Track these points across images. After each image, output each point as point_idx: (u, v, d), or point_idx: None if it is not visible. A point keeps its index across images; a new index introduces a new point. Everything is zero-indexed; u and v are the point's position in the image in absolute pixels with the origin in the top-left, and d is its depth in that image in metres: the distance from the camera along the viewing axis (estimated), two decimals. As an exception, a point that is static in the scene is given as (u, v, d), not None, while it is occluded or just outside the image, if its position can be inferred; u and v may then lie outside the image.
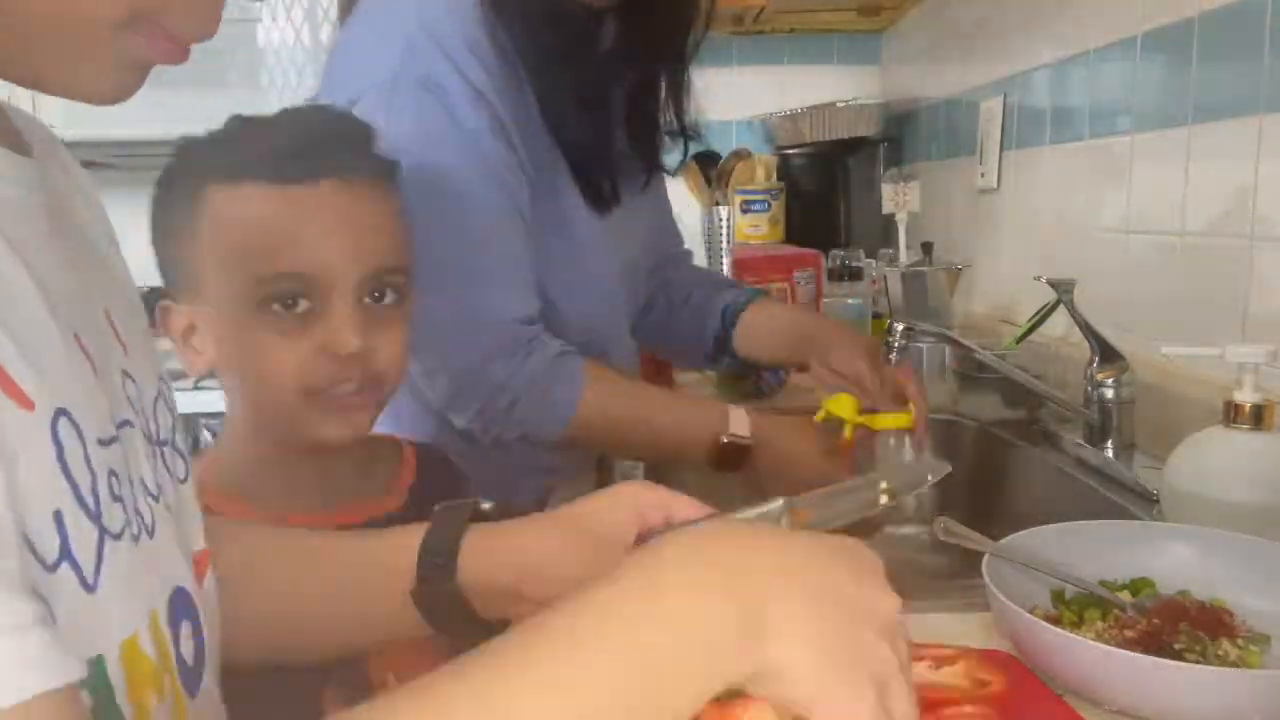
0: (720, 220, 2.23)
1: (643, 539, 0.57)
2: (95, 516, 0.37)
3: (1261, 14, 0.93)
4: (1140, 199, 1.18)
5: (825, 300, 1.59)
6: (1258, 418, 0.83)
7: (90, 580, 0.36)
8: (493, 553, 0.56)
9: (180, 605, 0.44)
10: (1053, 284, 1.18)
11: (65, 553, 0.35)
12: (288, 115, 0.77)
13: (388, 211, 0.76)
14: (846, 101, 2.19)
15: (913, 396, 1.04)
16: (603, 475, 1.20)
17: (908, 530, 1.34)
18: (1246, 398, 0.83)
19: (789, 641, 0.37)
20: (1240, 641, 0.64)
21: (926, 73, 2.09)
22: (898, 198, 1.84)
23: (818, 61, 2.44)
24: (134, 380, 0.45)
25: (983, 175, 1.69)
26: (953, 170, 1.89)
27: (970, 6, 1.78)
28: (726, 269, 2.05)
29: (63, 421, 0.36)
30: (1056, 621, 0.67)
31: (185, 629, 0.44)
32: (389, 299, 0.75)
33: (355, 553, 0.61)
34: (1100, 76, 1.27)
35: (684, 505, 0.58)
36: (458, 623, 0.57)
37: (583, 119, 0.95)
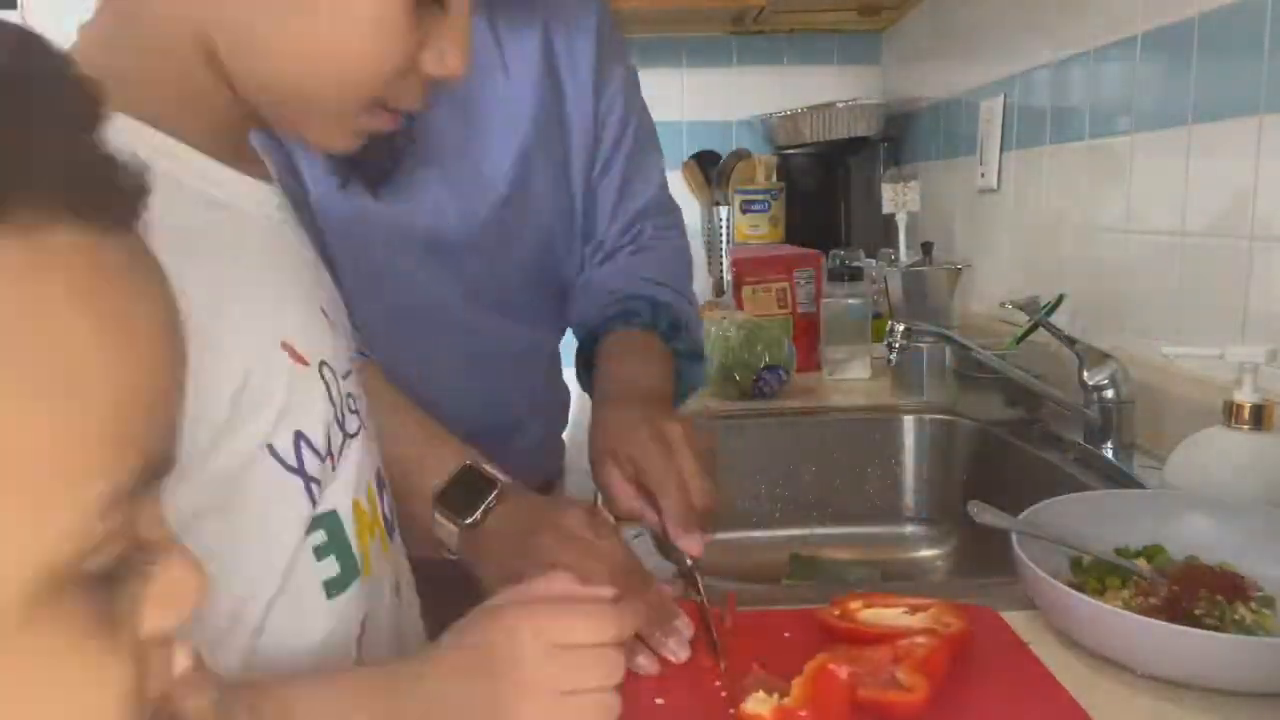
0: (720, 220, 2.24)
1: None
2: (341, 425, 0.56)
3: (1261, 14, 0.93)
4: (1140, 199, 1.18)
5: (825, 300, 1.59)
6: (1257, 418, 0.83)
7: (335, 466, 0.56)
8: None
9: (381, 479, 0.63)
10: (1020, 306, 1.20)
11: (329, 451, 0.55)
12: None
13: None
14: (846, 101, 2.19)
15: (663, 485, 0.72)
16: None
17: (908, 529, 1.34)
18: (1246, 398, 0.84)
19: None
20: (1254, 605, 0.67)
21: (926, 73, 2.09)
22: (898, 198, 1.84)
23: (818, 61, 2.44)
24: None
25: (983, 175, 1.69)
26: (953, 170, 1.89)
27: (970, 6, 1.78)
28: (726, 269, 2.05)
29: (324, 368, 0.55)
30: (1080, 589, 0.70)
31: (385, 495, 0.63)
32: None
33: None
34: (1100, 76, 1.28)
35: None
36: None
37: None
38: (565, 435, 1.17)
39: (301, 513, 0.53)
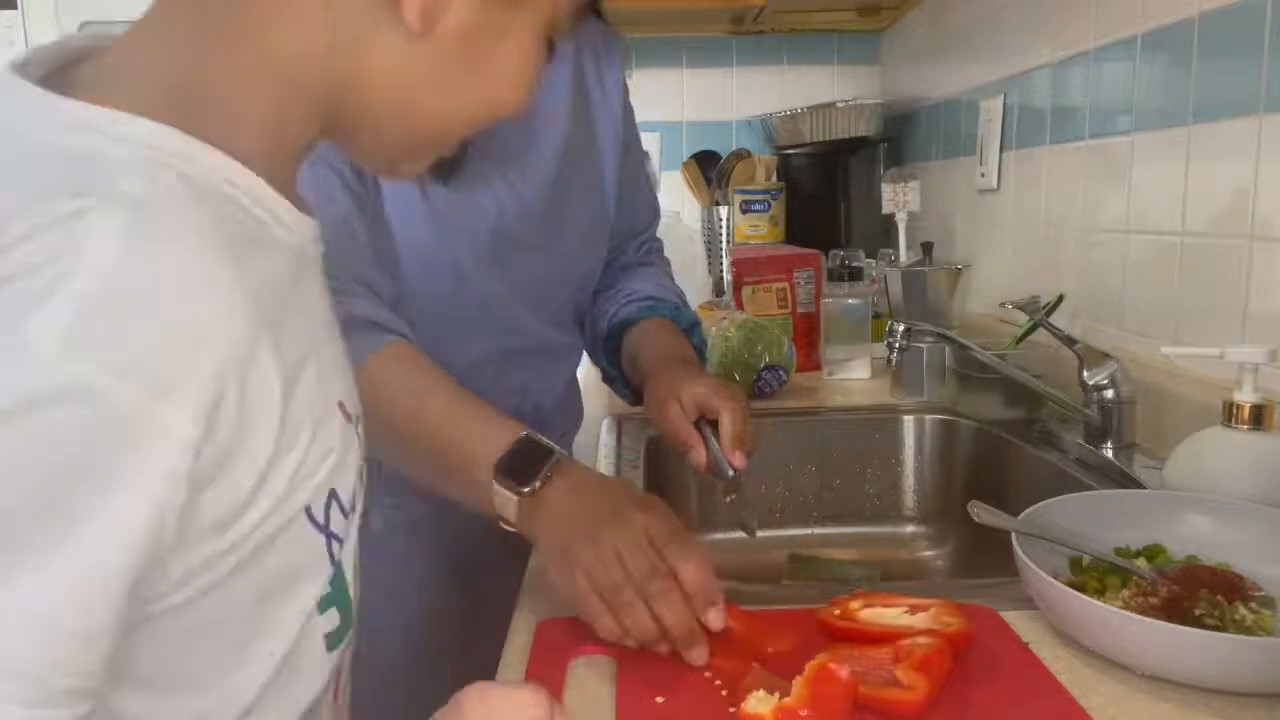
0: (720, 220, 2.24)
1: None
2: (361, 474, 0.54)
3: (1261, 14, 0.93)
4: (1140, 199, 1.18)
5: (825, 300, 1.59)
6: (1257, 418, 0.84)
7: (357, 516, 0.53)
8: None
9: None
10: (1020, 306, 1.21)
11: (353, 505, 0.52)
12: None
13: None
14: (846, 101, 2.19)
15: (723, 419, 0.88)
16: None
17: (908, 529, 1.34)
18: (1246, 398, 0.84)
19: None
20: (1254, 605, 0.67)
21: (926, 73, 2.10)
22: (898, 198, 1.84)
23: (818, 61, 2.44)
24: None
25: (983, 175, 1.69)
26: (953, 170, 1.89)
27: (970, 6, 1.78)
28: (726, 269, 2.05)
29: (358, 421, 0.53)
30: (1081, 588, 0.70)
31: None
32: None
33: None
34: (1100, 76, 1.28)
35: None
36: None
37: None
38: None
39: (321, 575, 0.49)
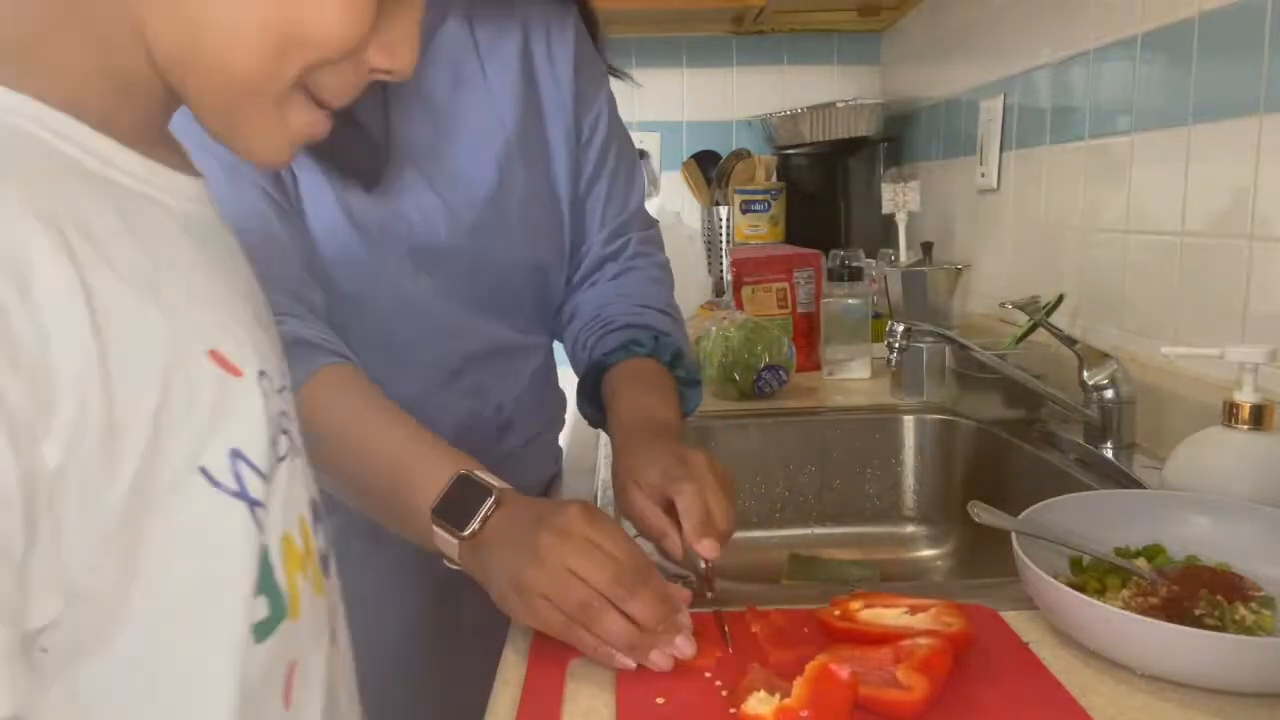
0: (720, 220, 2.24)
1: None
2: (273, 445, 0.48)
3: (1261, 14, 0.93)
4: (1140, 199, 1.18)
5: (825, 300, 1.59)
6: (1258, 418, 0.84)
7: (265, 494, 0.47)
8: None
9: (317, 511, 0.55)
10: (1020, 306, 1.21)
11: (270, 473, 0.47)
12: None
13: None
14: (846, 101, 2.19)
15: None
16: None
17: (908, 529, 1.34)
18: (1246, 398, 0.84)
19: None
20: (1254, 605, 0.67)
21: (926, 73, 2.10)
22: (898, 198, 1.85)
23: (818, 61, 2.44)
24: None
25: (983, 175, 1.69)
26: (953, 170, 1.89)
27: (970, 6, 1.78)
28: (726, 269, 2.05)
29: (263, 379, 0.48)
30: (1081, 588, 0.70)
31: (321, 529, 0.55)
32: None
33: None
34: (1100, 76, 1.28)
35: None
36: None
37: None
38: (563, 438, 1.17)
39: (252, 543, 0.45)
